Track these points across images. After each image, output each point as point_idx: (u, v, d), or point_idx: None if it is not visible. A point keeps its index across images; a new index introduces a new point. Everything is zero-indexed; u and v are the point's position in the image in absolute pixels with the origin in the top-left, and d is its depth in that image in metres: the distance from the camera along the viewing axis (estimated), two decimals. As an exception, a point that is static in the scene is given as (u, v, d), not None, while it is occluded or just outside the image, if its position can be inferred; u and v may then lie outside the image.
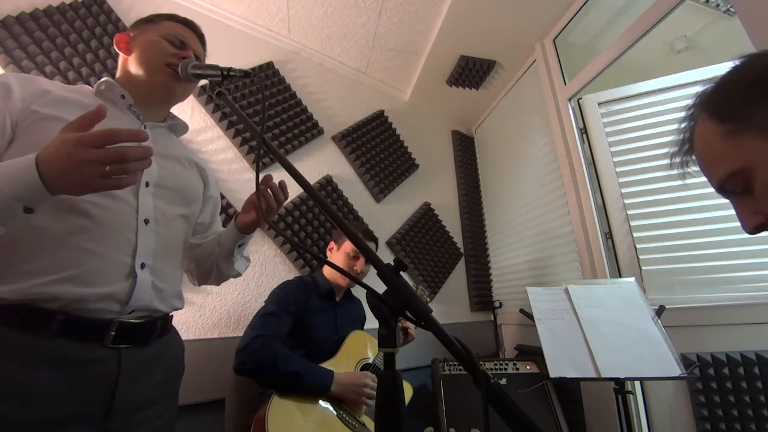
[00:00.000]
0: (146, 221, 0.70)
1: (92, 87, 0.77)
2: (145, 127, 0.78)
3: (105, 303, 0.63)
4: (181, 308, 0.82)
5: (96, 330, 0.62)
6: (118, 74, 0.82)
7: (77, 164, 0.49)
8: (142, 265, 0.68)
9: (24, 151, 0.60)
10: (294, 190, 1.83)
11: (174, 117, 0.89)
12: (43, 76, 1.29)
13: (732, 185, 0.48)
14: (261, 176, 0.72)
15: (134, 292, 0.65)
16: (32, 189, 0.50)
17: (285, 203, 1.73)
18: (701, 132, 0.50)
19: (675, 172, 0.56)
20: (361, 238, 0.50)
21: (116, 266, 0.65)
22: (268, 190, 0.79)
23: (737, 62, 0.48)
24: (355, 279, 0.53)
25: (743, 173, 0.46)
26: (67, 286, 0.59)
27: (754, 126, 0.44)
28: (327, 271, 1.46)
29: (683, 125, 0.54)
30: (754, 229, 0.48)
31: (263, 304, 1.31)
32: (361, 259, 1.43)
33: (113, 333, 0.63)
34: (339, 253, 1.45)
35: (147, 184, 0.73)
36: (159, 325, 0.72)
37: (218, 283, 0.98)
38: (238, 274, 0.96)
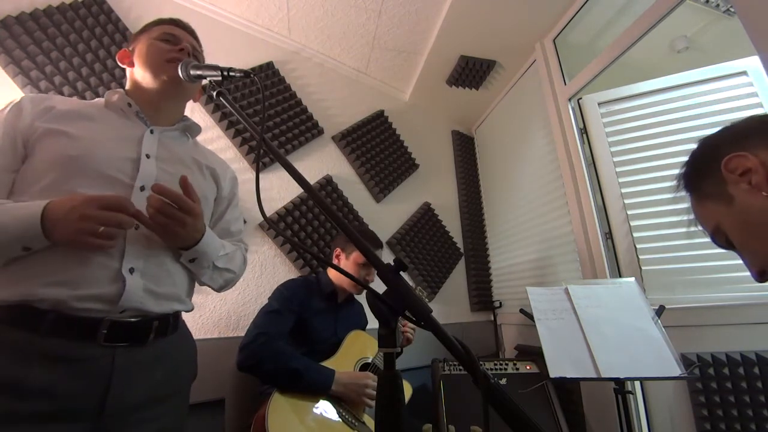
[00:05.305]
0: (136, 226, 0.70)
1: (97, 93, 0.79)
2: (151, 132, 0.80)
3: (92, 303, 0.63)
4: (187, 310, 0.81)
5: (87, 328, 0.63)
6: (127, 86, 0.85)
7: (77, 215, 0.58)
8: (131, 270, 0.68)
9: (33, 165, 0.67)
10: (294, 190, 1.85)
11: (186, 119, 0.90)
12: (47, 81, 1.31)
13: (718, 241, 0.57)
14: (260, 176, 0.72)
15: (123, 294, 0.65)
16: (33, 235, 0.58)
17: (285, 203, 1.77)
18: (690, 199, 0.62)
19: (695, 229, 0.63)
20: (359, 236, 0.50)
21: (103, 270, 0.65)
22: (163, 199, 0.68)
23: (698, 144, 0.59)
24: (358, 281, 0.53)
25: (719, 230, 0.55)
26: (54, 289, 0.61)
27: (706, 194, 0.56)
28: (333, 274, 1.46)
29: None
30: (758, 277, 0.53)
31: (266, 301, 1.31)
32: (372, 270, 1.41)
33: (105, 331, 0.63)
34: (348, 262, 1.43)
35: (142, 188, 0.73)
36: (156, 326, 0.71)
37: (218, 290, 0.91)
38: (216, 288, 0.88)
